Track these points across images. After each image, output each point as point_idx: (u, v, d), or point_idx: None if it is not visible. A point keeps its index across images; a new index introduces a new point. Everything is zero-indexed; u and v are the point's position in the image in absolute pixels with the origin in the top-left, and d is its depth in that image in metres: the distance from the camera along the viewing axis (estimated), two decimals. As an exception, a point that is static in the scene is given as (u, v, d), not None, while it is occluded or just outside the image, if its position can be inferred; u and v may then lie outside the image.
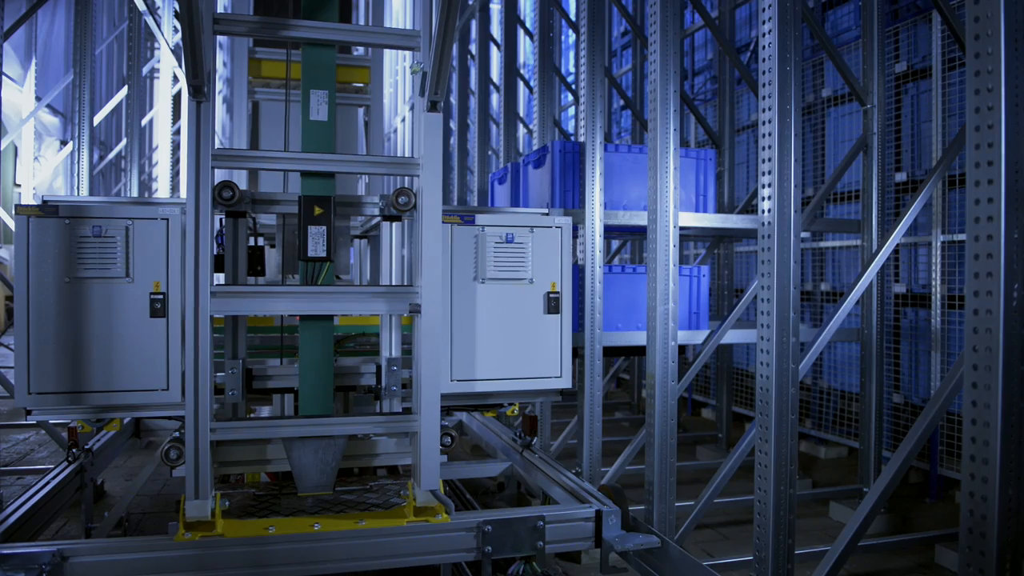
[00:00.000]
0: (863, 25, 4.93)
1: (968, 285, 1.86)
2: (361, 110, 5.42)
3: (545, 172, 4.51)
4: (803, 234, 5.65)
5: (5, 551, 2.62)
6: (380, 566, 2.97)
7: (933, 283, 5.35)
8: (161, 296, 3.09)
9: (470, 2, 7.92)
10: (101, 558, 2.70)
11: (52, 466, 3.91)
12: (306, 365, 3.34)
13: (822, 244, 6.62)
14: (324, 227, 3.25)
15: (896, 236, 3.99)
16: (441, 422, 3.13)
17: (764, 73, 2.66)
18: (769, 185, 2.64)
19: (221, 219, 3.36)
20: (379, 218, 3.55)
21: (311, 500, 3.26)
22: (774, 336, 2.61)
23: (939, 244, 5.34)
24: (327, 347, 3.38)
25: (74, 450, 3.78)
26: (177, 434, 3.17)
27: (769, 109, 2.64)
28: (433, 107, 3.09)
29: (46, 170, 12.74)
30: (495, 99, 8.56)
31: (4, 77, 6.86)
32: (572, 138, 8.99)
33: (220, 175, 4.00)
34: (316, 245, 3.22)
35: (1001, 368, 1.76)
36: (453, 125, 8.83)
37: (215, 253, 3.06)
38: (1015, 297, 1.78)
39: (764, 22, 2.68)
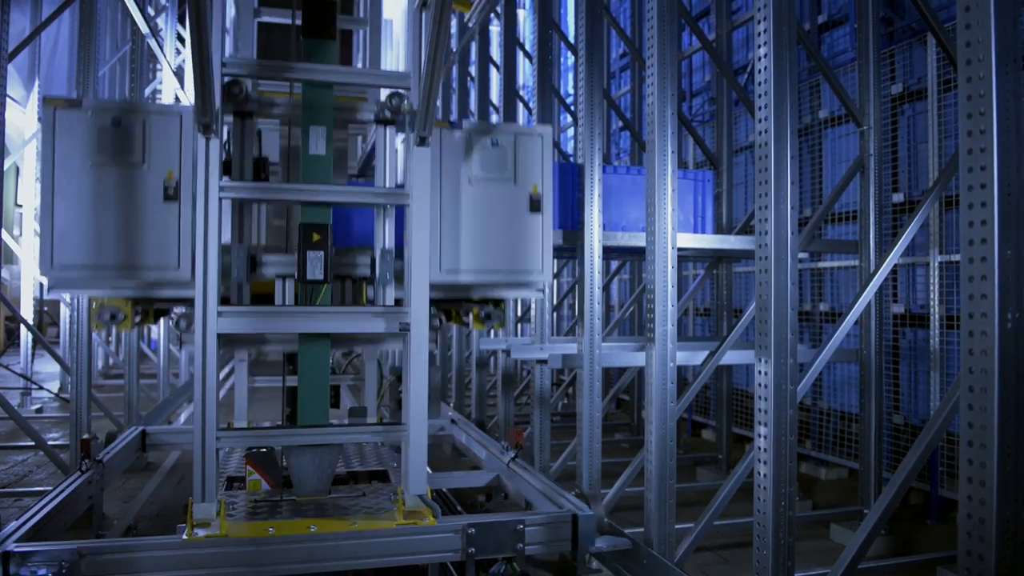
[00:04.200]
0: (859, 47, 4.98)
1: (963, 307, 1.88)
2: (360, 137, 5.50)
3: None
4: (801, 255, 5.67)
5: (29, 548, 2.84)
6: (372, 565, 3.19)
7: (931, 303, 5.36)
8: (175, 183, 3.31)
9: (470, 25, 7.99)
10: (117, 556, 2.91)
11: (50, 488, 3.98)
12: (305, 377, 3.58)
13: (821, 264, 6.63)
14: (321, 252, 3.47)
15: (893, 256, 4.00)
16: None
17: (760, 96, 2.69)
18: (765, 207, 2.66)
19: (229, 127, 3.58)
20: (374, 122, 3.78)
21: (309, 504, 3.48)
22: (772, 358, 2.62)
23: (937, 264, 5.36)
24: (324, 361, 3.61)
25: (86, 460, 3.92)
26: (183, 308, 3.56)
27: (765, 132, 2.67)
28: (422, 142, 3.35)
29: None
30: (495, 120, 8.62)
31: (7, 98, 6.90)
32: (571, 159, 9.05)
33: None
34: (314, 269, 3.42)
35: (997, 390, 1.77)
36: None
37: (223, 159, 3.31)
38: (1010, 319, 1.79)
39: (759, 46, 2.71)
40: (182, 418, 8.56)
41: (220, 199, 3.16)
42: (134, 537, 3.76)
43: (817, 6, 7.10)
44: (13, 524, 3.07)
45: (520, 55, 8.69)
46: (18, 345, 10.94)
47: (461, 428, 5.35)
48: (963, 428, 1.87)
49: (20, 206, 11.94)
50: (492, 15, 7.81)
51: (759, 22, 2.72)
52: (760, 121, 2.68)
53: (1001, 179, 1.81)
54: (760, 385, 2.68)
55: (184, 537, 2.99)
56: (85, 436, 4.06)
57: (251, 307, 3.30)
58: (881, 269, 4.02)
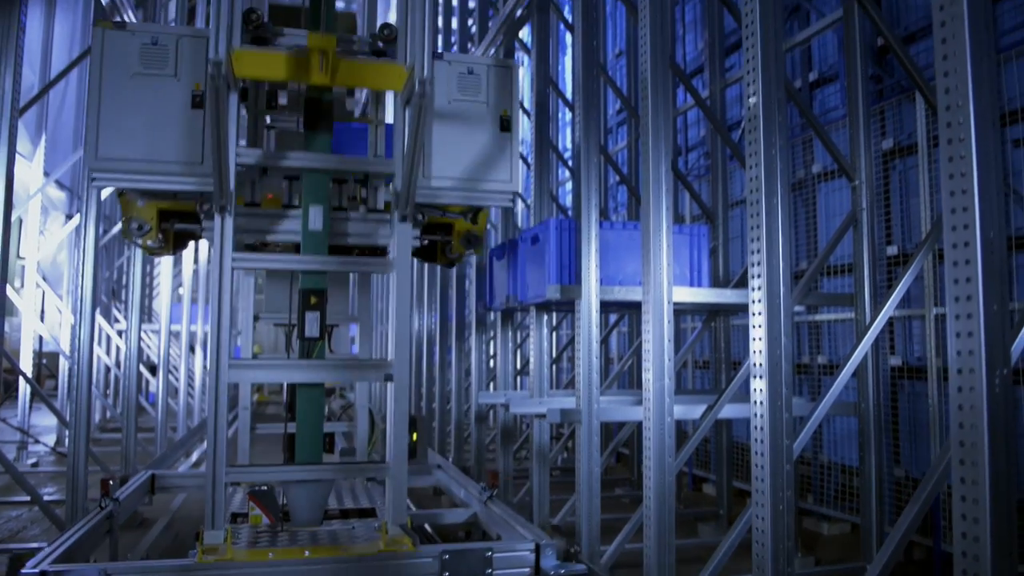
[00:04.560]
0: (848, 104, 5.09)
1: (951, 363, 1.90)
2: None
3: (542, 249, 4.60)
4: (797, 308, 5.71)
5: (62, 568, 3.28)
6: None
7: (929, 356, 5.38)
8: (201, 93, 3.87)
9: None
10: (136, 576, 3.58)
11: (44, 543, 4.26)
12: (302, 420, 4.17)
13: (818, 317, 6.67)
14: (318, 312, 4.12)
15: (888, 309, 4.04)
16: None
17: (751, 156, 2.76)
18: (758, 264, 2.70)
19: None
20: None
21: (303, 534, 4.00)
22: (767, 412, 2.63)
23: (932, 317, 5.39)
24: (319, 406, 4.23)
25: (105, 498, 4.35)
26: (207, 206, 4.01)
27: (757, 190, 2.73)
28: (404, 219, 4.02)
29: (51, 243, 12.89)
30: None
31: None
32: (569, 211, 9.16)
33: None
34: (312, 327, 4.05)
35: (987, 445, 1.79)
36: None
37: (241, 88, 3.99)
38: (997, 374, 1.81)
39: (749, 107, 2.79)
40: (182, 468, 8.51)
41: (232, 269, 3.86)
42: (151, 560, 4.45)
43: (808, 63, 7.28)
44: (48, 548, 3.50)
45: (519, 111, 8.87)
46: (16, 398, 10.90)
47: (445, 471, 5.89)
48: (955, 483, 1.88)
49: (22, 258, 12.04)
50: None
51: (748, 84, 2.80)
52: (751, 180, 2.75)
53: (984, 237, 1.86)
54: (756, 440, 2.69)
55: (195, 560, 3.46)
56: (104, 476, 4.59)
57: (257, 360, 4.08)
58: (876, 322, 4.05)
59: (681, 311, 5.63)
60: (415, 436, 5.64)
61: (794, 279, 5.25)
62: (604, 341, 8.50)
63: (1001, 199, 1.91)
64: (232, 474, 3.86)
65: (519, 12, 6.02)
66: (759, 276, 2.70)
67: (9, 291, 7.02)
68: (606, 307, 5.14)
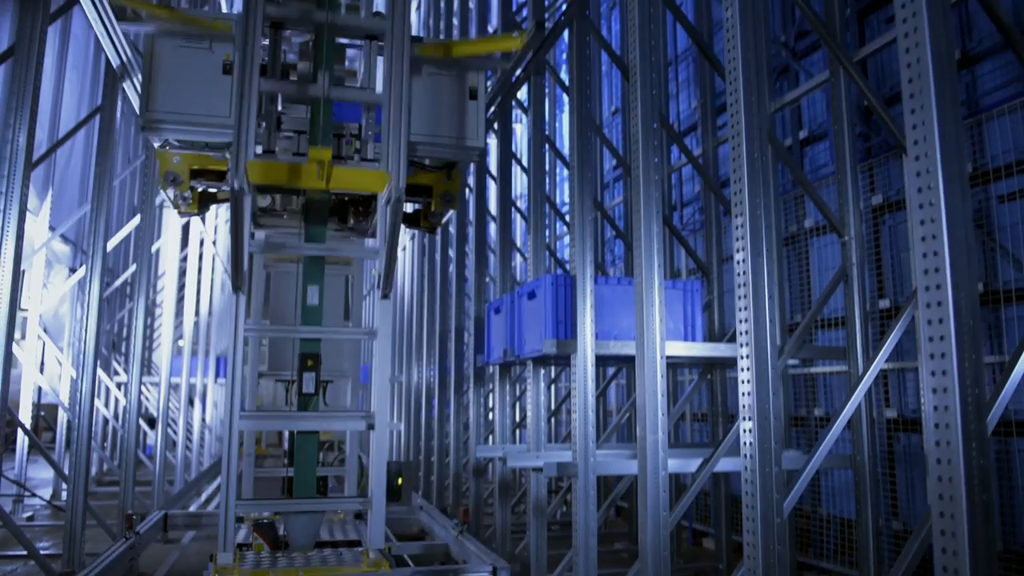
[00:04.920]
0: (836, 162, 5.23)
1: (927, 418, 1.97)
2: (350, 275, 6.74)
3: (539, 304, 4.69)
4: (792, 360, 5.77)
5: None
6: (342, 601, 4.54)
7: (922, 408, 5.42)
8: (229, 63, 4.77)
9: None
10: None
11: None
12: (299, 463, 5.04)
13: (813, 370, 6.72)
14: (314, 374, 4.99)
15: (878, 362, 4.10)
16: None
17: (737, 216, 2.87)
18: (746, 320, 2.79)
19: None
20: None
21: (299, 557, 4.67)
22: (756, 466, 2.69)
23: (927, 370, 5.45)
24: (314, 451, 5.12)
25: (129, 531, 5.35)
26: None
27: (743, 249, 2.83)
28: (385, 296, 4.90)
29: (53, 296, 12.99)
30: (492, 229, 8.88)
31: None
32: (567, 264, 9.28)
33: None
34: (308, 385, 5.01)
35: (964, 498, 1.85)
36: (452, 253, 9.12)
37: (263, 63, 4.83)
38: (972, 428, 1.88)
39: (735, 170, 2.91)
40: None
41: (245, 335, 4.74)
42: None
43: (799, 122, 7.48)
44: (82, 572, 4.30)
45: (516, 167, 9.09)
46: (13, 450, 10.87)
47: (427, 512, 7.11)
48: (935, 535, 1.93)
49: (24, 310, 12.12)
50: (490, 131, 8.19)
51: (734, 148, 2.93)
52: (738, 240, 2.85)
53: (955, 298, 1.95)
54: (746, 494, 2.73)
55: (213, 570, 4.21)
56: (128, 512, 5.62)
57: (263, 412, 5.19)
58: (867, 374, 4.11)
59: (677, 364, 5.69)
60: (400, 480, 7.35)
61: (788, 332, 5.36)
62: (602, 394, 8.54)
63: (974, 263, 2.01)
64: (241, 506, 4.70)
65: (517, 73, 6.23)
66: (746, 332, 2.79)
67: (18, 349, 7.08)
68: (602, 361, 5.21)
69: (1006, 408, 5.11)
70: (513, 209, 8.30)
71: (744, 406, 2.78)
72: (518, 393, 9.46)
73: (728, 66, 3.04)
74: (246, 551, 4.90)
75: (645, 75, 3.85)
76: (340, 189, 4.98)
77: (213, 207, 5.83)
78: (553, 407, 9.64)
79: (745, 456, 2.75)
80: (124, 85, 5.70)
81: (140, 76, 5.60)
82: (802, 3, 4.78)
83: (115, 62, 5.58)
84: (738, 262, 2.84)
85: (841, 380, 6.44)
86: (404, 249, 11.92)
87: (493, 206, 8.76)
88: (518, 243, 10.46)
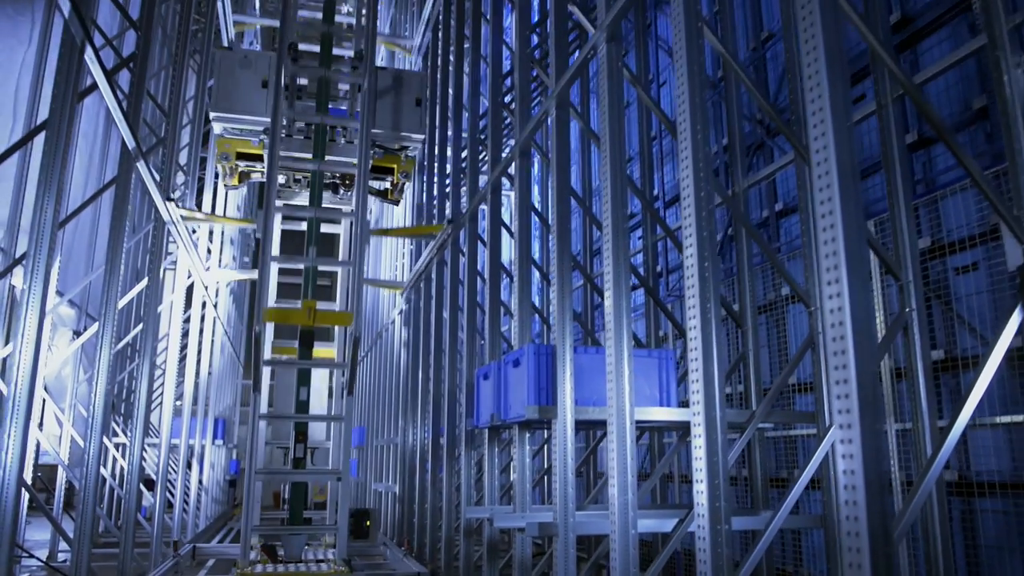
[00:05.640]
0: (803, 236, 5.61)
1: (838, 482, 2.27)
2: (332, 371, 9.14)
3: (522, 372, 5.00)
4: (767, 424, 6.04)
5: None
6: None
7: (892, 469, 5.68)
8: (265, 80, 8.66)
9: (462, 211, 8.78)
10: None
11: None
12: (293, 503, 7.98)
13: (792, 432, 6.98)
14: (303, 444, 7.90)
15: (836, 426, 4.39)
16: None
17: (689, 299, 3.21)
18: (697, 392, 3.10)
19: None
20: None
21: (292, 566, 7.20)
22: (707, 524, 2.97)
23: (893, 432, 5.73)
24: (304, 495, 8.02)
25: (175, 552, 7.50)
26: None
27: (695, 327, 3.16)
28: (350, 394, 7.54)
29: (57, 358, 13.26)
30: (487, 290, 9.20)
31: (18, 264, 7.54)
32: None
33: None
34: (299, 451, 7.72)
35: (868, 556, 2.13)
36: (446, 314, 9.43)
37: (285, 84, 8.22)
38: (875, 492, 2.18)
39: (688, 256, 3.26)
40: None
41: (259, 420, 6.83)
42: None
43: (774, 195, 7.90)
44: None
45: (504, 233, 9.67)
46: (13, 513, 10.97)
47: (388, 548, 9.93)
48: (848, 586, 2.21)
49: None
50: (483, 202, 8.61)
51: (687, 236, 3.28)
52: (690, 319, 3.19)
53: (859, 371, 2.27)
54: (700, 549, 3.00)
55: (237, 572, 6.83)
56: (175, 539, 8.30)
57: (272, 469, 6.16)
58: (827, 436, 4.39)
59: (658, 428, 5.97)
60: (368, 523, 11.09)
61: (764, 396, 5.64)
62: (592, 454, 8.77)
63: (873, 341, 2.34)
64: (256, 529, 7.62)
65: (505, 152, 6.67)
66: (698, 402, 3.10)
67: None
68: (582, 425, 5.49)
69: (970, 468, 5.39)
70: (503, 274, 8.66)
71: (697, 469, 3.07)
72: (511, 455, 9.66)
73: (680, 154, 3.42)
74: (255, 564, 7.29)
75: (615, 159, 4.25)
76: (322, 324, 7.89)
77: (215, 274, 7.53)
78: (546, 466, 9.84)
79: (698, 515, 3.03)
80: (138, 164, 6.12)
81: (155, 156, 6.04)
82: (761, 100, 5.23)
83: (130, 144, 6.01)
84: (690, 339, 3.17)
85: (816, 443, 6.69)
86: (400, 312, 12.27)
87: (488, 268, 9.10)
88: (511, 306, 10.97)
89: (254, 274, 10.24)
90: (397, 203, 9.58)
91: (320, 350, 9.68)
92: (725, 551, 2.97)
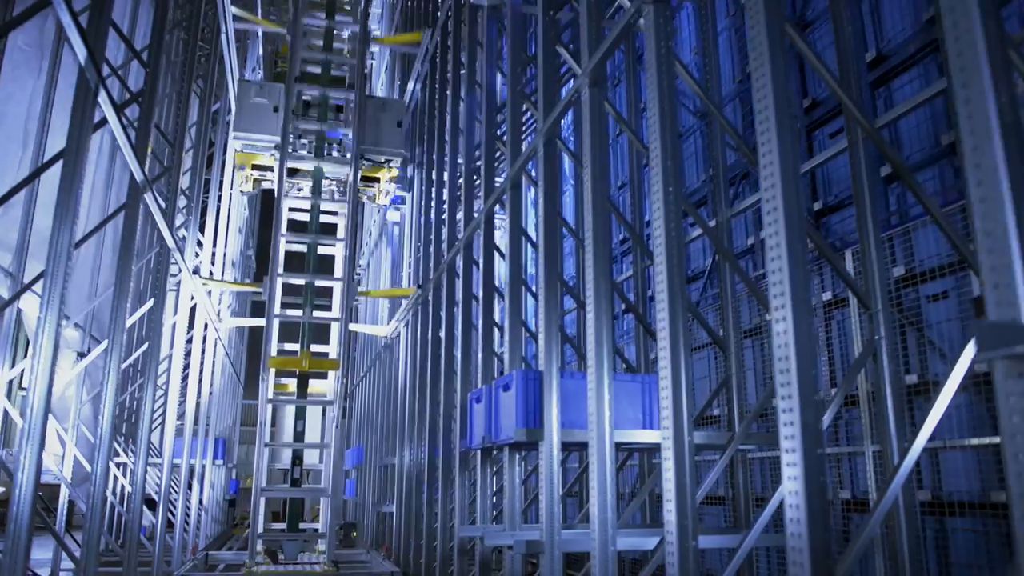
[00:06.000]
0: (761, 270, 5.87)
1: (787, 501, 2.51)
2: (325, 407, 10.79)
3: (512, 396, 5.25)
4: (748, 446, 6.27)
5: None
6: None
7: (870, 490, 5.90)
8: (276, 106, 11.63)
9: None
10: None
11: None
12: (290, 514, 10.66)
13: (778, 453, 7.20)
14: (299, 467, 10.80)
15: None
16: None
17: (660, 330, 3.47)
18: (668, 417, 3.35)
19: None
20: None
21: (290, 566, 8.90)
22: (676, 541, 3.20)
23: (871, 454, 5.95)
24: (298, 509, 10.81)
25: (193, 556, 9.32)
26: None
27: (665, 359, 3.41)
28: (338, 426, 10.03)
29: (61, 380, 13.49)
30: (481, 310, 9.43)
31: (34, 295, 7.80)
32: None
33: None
34: (296, 472, 10.65)
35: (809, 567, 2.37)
36: (442, 334, 9.64)
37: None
38: (818, 508, 2.42)
39: (659, 297, 3.52)
40: None
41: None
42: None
43: (758, 224, 8.17)
44: None
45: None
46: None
47: (368, 553, 12.17)
48: (793, 595, 2.45)
49: (24, 389, 12.60)
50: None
51: (659, 283, 3.55)
52: (661, 349, 3.44)
53: (803, 405, 2.52)
54: (670, 564, 3.23)
55: (244, 570, 8.88)
56: (197, 543, 10.94)
57: (272, 486, 8.59)
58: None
59: (640, 450, 6.20)
60: (355, 533, 15.98)
61: (754, 418, 5.85)
62: (582, 476, 8.98)
63: (816, 373, 2.58)
64: (261, 536, 9.30)
65: (497, 183, 6.95)
66: (668, 428, 3.34)
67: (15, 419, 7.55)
68: (568, 447, 5.72)
69: (942, 488, 5.62)
70: (498, 297, 8.92)
71: (667, 489, 3.30)
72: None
73: (653, 196, 3.69)
74: (260, 564, 9.21)
75: (597, 195, 4.52)
76: (314, 369, 10.53)
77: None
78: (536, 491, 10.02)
79: (667, 532, 3.26)
80: (145, 196, 6.40)
81: (160, 187, 6.27)
82: (736, 137, 5.51)
83: (138, 177, 6.29)
84: (661, 367, 3.42)
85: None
86: (398, 336, 12.52)
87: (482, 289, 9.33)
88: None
89: (259, 321, 12.25)
90: (385, 204, 13.36)
91: (316, 385, 11.72)
92: (692, 566, 3.20)
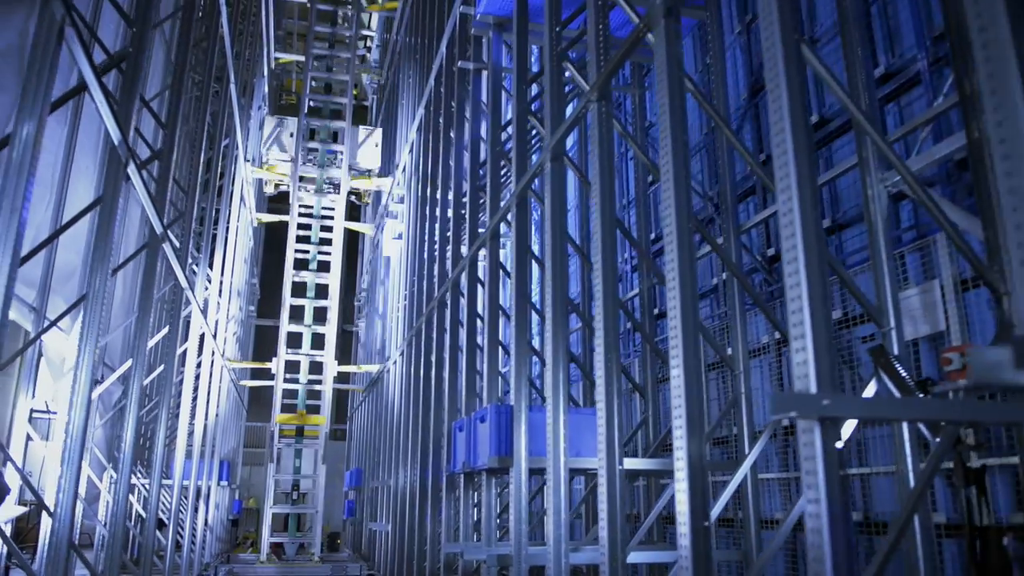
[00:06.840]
0: (728, 311, 6.54)
1: (678, 516, 3.17)
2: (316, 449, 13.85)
3: (487, 427, 5.94)
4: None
5: None
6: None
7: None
8: (278, 132, 19.67)
9: (463, 255, 9.74)
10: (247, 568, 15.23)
11: None
12: (292, 524, 16.51)
13: (761, 477, 7.78)
14: (297, 490, 16.85)
15: (743, 469, 5.27)
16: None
17: (597, 366, 4.15)
18: (602, 450, 4.02)
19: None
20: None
21: (288, 559, 15.68)
22: (607, 557, 3.85)
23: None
24: (297, 520, 16.77)
25: (219, 567, 12.73)
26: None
27: (601, 398, 4.09)
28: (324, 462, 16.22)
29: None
30: (478, 333, 9.99)
31: (59, 330, 8.51)
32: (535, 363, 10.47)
33: None
34: (295, 495, 16.31)
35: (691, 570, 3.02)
36: (432, 357, 10.20)
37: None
38: (698, 525, 3.08)
39: (597, 321, 4.20)
40: None
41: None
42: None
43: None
44: None
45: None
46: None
47: (354, 561, 15.23)
48: (680, 592, 3.10)
49: (54, 413, 13.25)
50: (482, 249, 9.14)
51: (596, 310, 4.23)
52: (598, 388, 4.12)
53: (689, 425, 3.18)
54: (602, 573, 3.89)
55: (257, 562, 15.22)
56: (207, 562, 13.46)
57: (276, 505, 10.80)
58: (733, 479, 5.27)
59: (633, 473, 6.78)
60: (339, 540, 24.60)
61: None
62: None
63: (701, 414, 3.26)
64: (269, 539, 15.28)
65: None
66: (603, 457, 4.01)
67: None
68: (535, 473, 6.37)
69: (873, 510, 6.21)
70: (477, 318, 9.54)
71: (601, 509, 3.96)
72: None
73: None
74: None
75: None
76: (310, 424, 16.55)
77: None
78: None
79: (600, 547, 3.91)
80: (164, 245, 7.12)
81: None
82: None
83: (158, 229, 7.03)
84: (598, 402, 4.09)
85: (771, 485, 7.48)
86: (395, 363, 13.21)
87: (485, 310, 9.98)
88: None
89: (261, 377, 18.30)
90: (367, 203, 20.49)
91: (311, 417, 17.27)
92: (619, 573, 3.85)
